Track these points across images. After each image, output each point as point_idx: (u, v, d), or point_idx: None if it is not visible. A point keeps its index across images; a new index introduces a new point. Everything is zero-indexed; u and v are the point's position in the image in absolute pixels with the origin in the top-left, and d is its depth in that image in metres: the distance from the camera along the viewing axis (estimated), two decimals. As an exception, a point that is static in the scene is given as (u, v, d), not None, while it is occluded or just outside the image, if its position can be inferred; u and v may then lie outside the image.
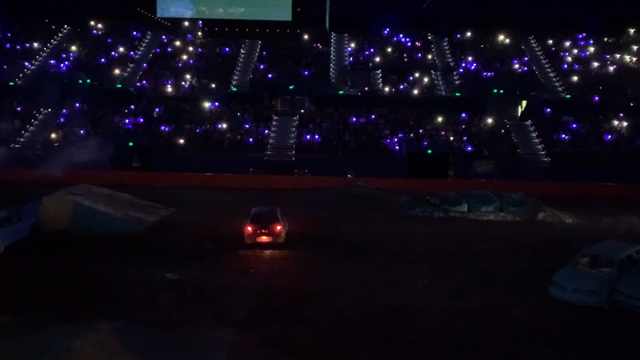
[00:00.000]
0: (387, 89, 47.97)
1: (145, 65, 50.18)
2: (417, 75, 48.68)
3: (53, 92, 44.81)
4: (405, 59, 50.89)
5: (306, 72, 48.76)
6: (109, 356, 12.16)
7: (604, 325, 15.50)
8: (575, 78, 48.00)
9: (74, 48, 51.16)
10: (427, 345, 13.92)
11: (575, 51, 51.73)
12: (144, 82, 48.12)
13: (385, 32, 54.08)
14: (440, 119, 44.00)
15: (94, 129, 42.35)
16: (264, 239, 21.20)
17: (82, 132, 42.06)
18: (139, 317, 14.61)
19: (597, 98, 45.91)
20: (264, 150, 41.76)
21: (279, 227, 21.39)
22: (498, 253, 22.27)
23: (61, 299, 15.98)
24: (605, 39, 52.62)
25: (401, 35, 53.72)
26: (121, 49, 51.23)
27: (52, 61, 49.61)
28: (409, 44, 53.13)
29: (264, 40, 51.61)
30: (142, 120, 44.03)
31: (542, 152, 41.92)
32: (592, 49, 51.62)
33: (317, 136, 42.87)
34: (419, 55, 51.50)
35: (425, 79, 48.50)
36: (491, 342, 14.16)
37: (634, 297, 16.10)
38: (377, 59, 50.39)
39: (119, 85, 47.49)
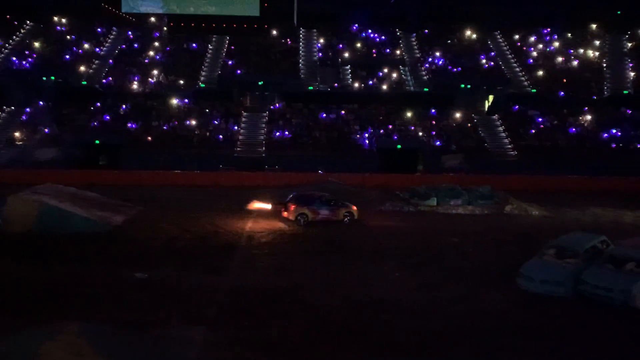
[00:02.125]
0: (356, 84, 48.12)
1: (111, 61, 49.36)
2: (385, 70, 48.95)
3: (16, 90, 43.78)
4: (374, 55, 51.12)
5: (275, 69, 48.57)
6: (78, 358, 11.95)
7: (570, 314, 15.83)
8: (540, 73, 48.85)
9: (37, 44, 50.02)
10: (400, 339, 14.01)
11: (541, 46, 52.62)
12: (110, 78, 47.33)
13: (354, 27, 54.20)
14: (409, 114, 44.34)
15: (59, 127, 41.54)
16: (285, 214, 26.33)
17: (46, 130, 41.23)
18: (108, 318, 14.37)
19: (562, 92, 46.84)
20: (234, 147, 41.51)
21: (292, 207, 26.07)
22: (467, 246, 22.60)
23: (27, 301, 15.61)
24: (569, 34, 53.63)
25: (370, 31, 53.89)
26: (86, 46, 50.31)
27: (14, 58, 48.42)
28: (378, 39, 53.35)
29: (232, 35, 51.28)
30: (108, 117, 43.31)
31: (509, 146, 42.62)
32: (557, 44, 52.58)
33: (287, 132, 42.77)
34: (388, 50, 51.77)
35: (394, 75, 48.78)
36: (462, 334, 14.34)
37: (599, 287, 16.45)
38: (346, 55, 50.48)
39: (85, 83, 46.62)
